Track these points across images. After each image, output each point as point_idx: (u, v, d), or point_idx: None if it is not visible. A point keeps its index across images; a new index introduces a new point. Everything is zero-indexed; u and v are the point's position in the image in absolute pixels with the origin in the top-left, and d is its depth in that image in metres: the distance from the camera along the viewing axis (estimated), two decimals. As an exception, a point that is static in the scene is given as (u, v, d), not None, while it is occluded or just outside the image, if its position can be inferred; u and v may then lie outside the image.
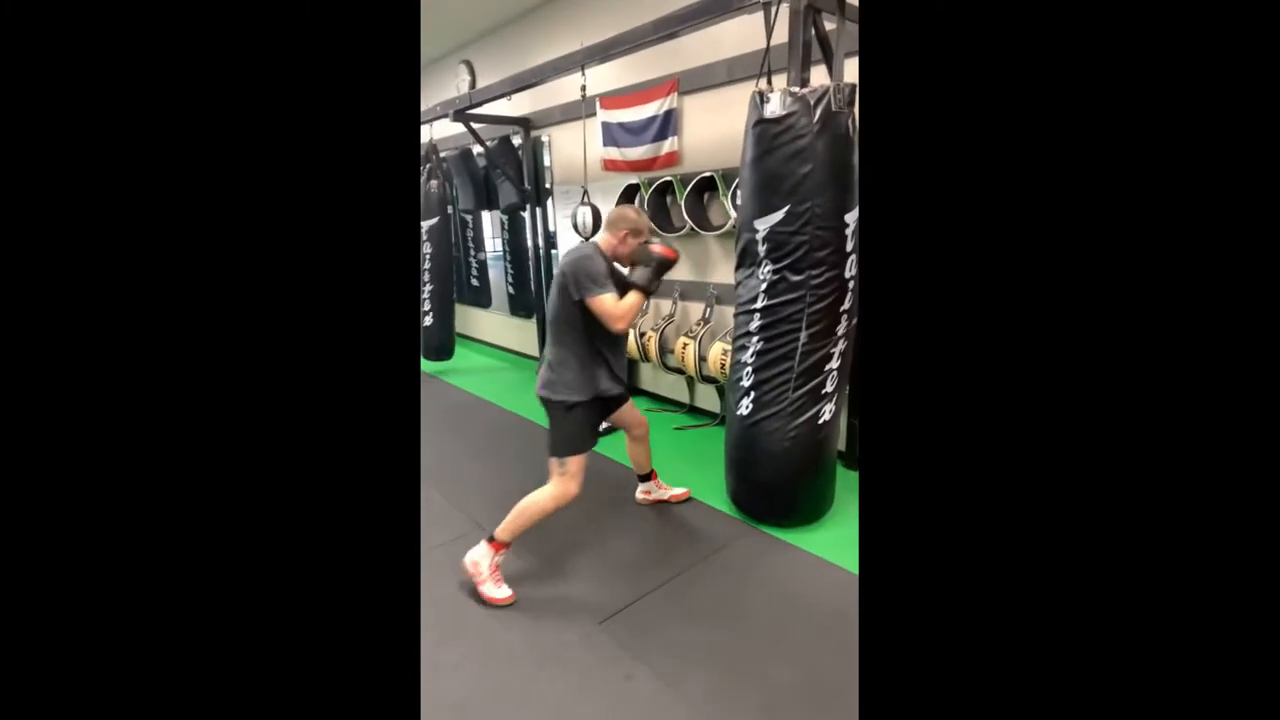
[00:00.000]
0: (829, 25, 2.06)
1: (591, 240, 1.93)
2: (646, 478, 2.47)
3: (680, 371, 3.35)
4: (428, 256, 4.44)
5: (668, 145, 3.28)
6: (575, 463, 1.88)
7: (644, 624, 1.77)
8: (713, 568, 2.04)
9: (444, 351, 4.67)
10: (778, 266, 2.03)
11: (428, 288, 4.47)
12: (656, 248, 1.89)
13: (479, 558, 1.91)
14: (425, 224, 4.38)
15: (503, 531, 1.89)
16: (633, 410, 2.20)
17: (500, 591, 1.88)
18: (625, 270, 1.97)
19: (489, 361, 4.99)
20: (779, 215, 1.98)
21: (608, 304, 1.79)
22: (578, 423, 1.90)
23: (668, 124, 3.25)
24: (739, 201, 2.20)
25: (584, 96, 2.94)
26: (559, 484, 1.88)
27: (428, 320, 4.53)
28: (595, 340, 1.88)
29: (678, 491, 2.50)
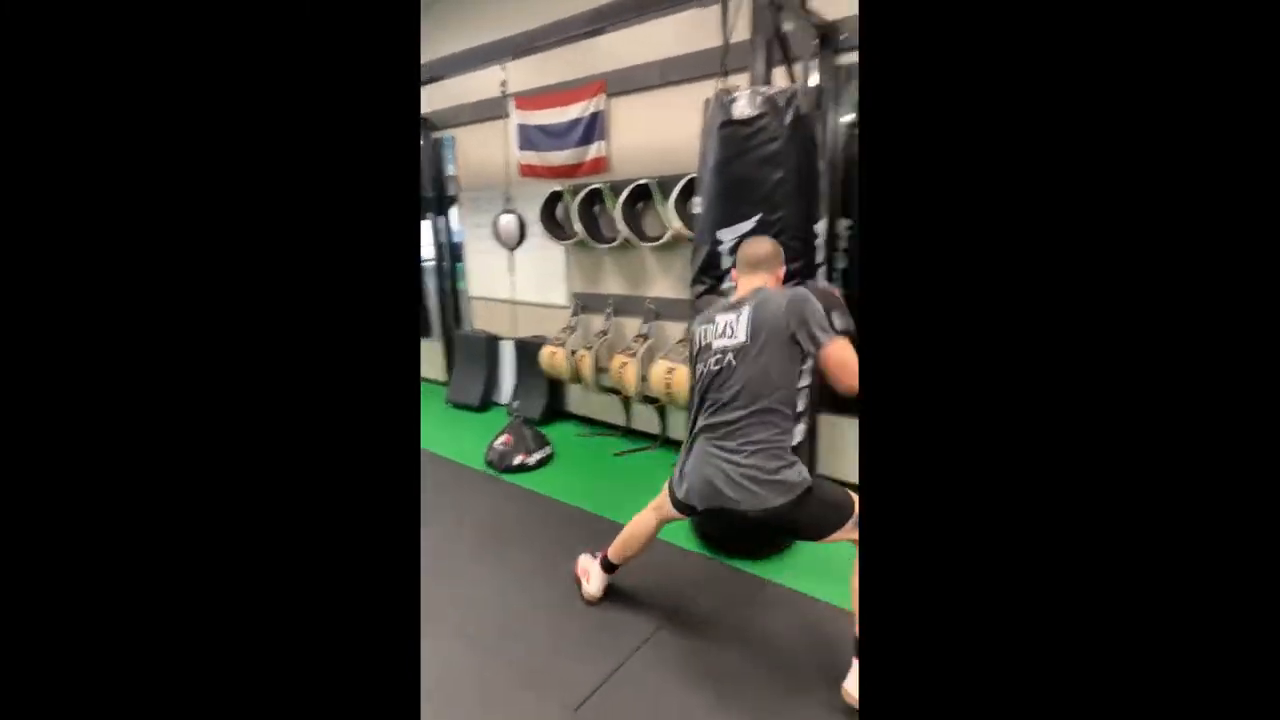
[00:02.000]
0: (786, 25, 1.95)
1: (770, 288, 1.52)
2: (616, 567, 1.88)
3: (616, 392, 3.11)
4: None
5: (594, 150, 3.06)
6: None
7: (623, 705, 1.51)
8: (689, 620, 1.81)
9: None
10: (747, 280, 1.87)
11: None
12: (835, 291, 1.62)
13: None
14: None
15: None
16: None
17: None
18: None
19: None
20: (749, 224, 1.82)
21: (850, 350, 1.34)
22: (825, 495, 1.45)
23: (594, 128, 3.02)
24: (697, 209, 2.02)
25: (504, 93, 2.64)
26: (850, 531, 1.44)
27: None
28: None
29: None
